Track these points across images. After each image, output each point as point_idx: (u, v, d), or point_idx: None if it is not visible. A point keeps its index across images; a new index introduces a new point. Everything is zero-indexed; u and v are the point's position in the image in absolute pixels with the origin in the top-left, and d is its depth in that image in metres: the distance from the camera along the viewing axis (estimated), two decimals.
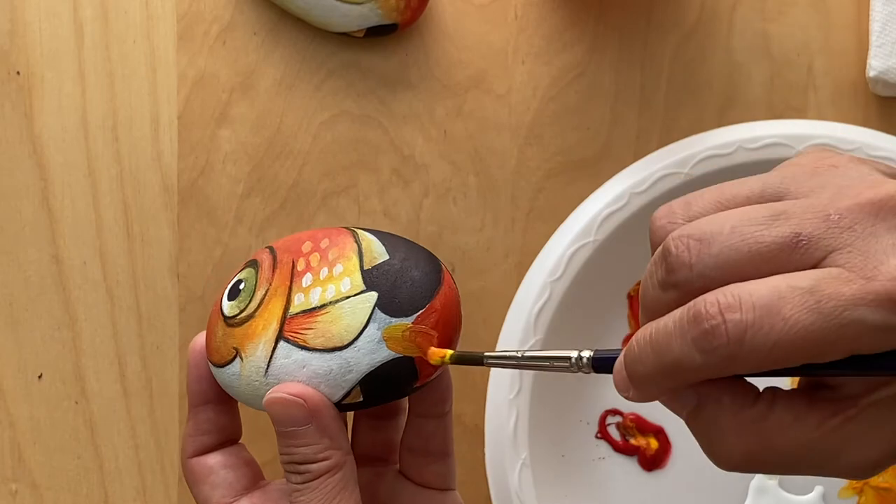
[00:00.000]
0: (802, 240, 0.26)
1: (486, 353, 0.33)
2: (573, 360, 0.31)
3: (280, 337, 0.34)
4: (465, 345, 0.52)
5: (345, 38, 0.52)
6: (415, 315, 0.34)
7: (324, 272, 0.35)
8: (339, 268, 0.35)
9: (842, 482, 0.51)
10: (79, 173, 0.53)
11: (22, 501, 0.53)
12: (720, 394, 0.28)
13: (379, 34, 0.51)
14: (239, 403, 0.37)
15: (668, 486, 0.51)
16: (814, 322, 0.25)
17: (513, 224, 0.53)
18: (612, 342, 0.51)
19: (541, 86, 0.53)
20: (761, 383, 0.29)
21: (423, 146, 0.53)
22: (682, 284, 0.27)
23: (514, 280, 0.51)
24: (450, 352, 0.34)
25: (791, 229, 0.26)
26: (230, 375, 0.35)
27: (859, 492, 0.50)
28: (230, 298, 0.36)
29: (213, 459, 0.37)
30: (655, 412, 0.51)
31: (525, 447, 0.48)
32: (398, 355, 0.34)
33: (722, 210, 0.28)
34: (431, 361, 0.34)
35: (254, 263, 0.36)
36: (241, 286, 0.36)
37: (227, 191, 0.53)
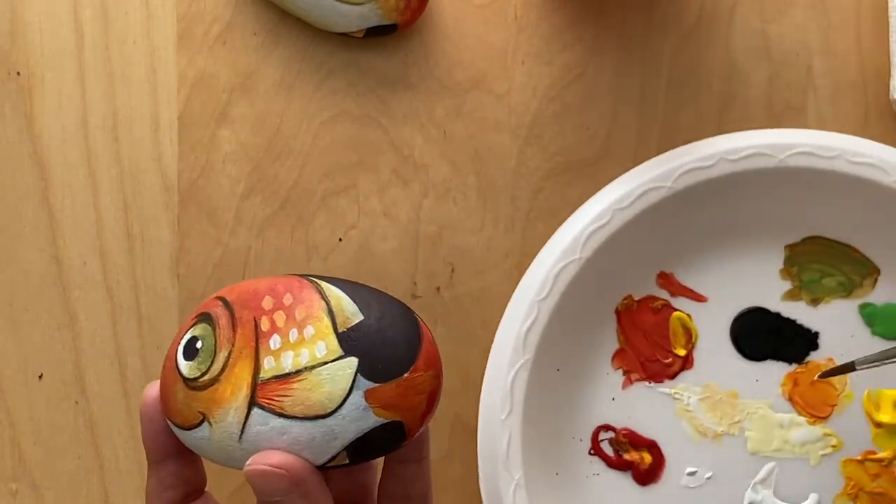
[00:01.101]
0: None
1: (856, 360, 0.32)
2: None
3: (253, 403, 0.33)
4: (463, 346, 0.52)
5: (345, 38, 0.52)
6: (398, 378, 0.33)
7: (293, 334, 0.33)
8: (309, 330, 0.33)
9: (836, 488, 0.51)
10: (79, 173, 0.53)
11: (22, 501, 0.53)
12: None
13: (379, 34, 0.51)
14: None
15: (663, 501, 0.51)
16: None
17: (513, 224, 0.53)
18: (601, 359, 0.51)
19: (541, 86, 0.53)
20: None
21: (423, 146, 0.53)
22: None
23: (513, 280, 0.51)
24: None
25: None
26: (198, 439, 0.34)
27: (855, 498, 0.51)
28: (187, 358, 0.34)
29: None
30: (648, 426, 0.51)
31: (518, 467, 0.48)
32: (387, 420, 0.33)
33: None
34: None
35: (207, 318, 0.35)
36: (199, 345, 0.34)
37: (227, 191, 0.53)
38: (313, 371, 0.33)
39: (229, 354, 0.34)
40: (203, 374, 0.34)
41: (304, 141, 0.53)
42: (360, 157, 0.53)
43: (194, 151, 0.53)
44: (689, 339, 0.51)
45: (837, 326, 0.51)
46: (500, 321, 0.50)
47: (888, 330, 0.51)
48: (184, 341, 0.35)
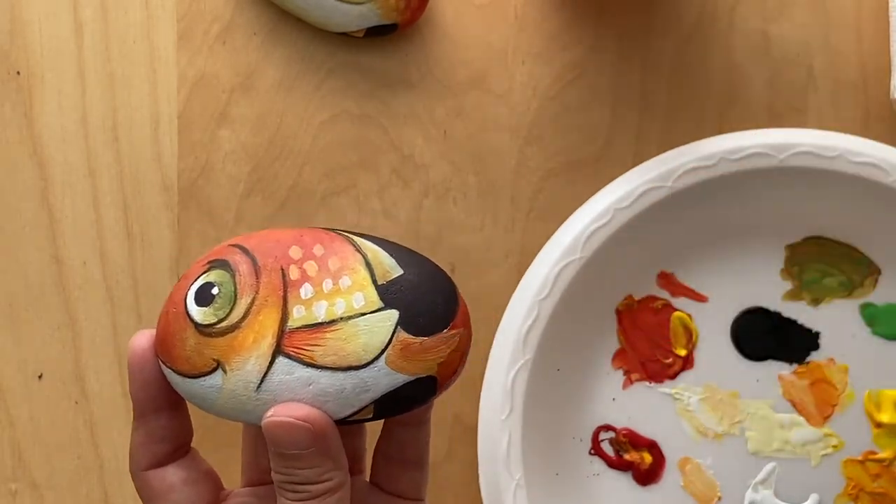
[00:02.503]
0: None
1: None
2: None
3: (278, 352, 0.32)
4: None
5: (345, 38, 0.52)
6: (438, 333, 0.33)
7: (327, 284, 0.33)
8: (346, 280, 0.33)
9: (837, 489, 0.51)
10: (79, 173, 0.53)
11: (22, 501, 0.53)
12: None
13: (379, 34, 0.51)
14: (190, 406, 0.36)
15: (664, 500, 0.51)
16: None
17: (513, 224, 0.53)
18: (601, 359, 0.51)
19: (541, 86, 0.53)
20: None
21: (423, 146, 0.53)
22: None
23: (514, 280, 0.51)
24: None
25: None
26: (206, 388, 0.33)
27: (855, 498, 0.50)
28: (201, 304, 0.33)
29: (174, 475, 0.35)
30: (648, 427, 0.51)
31: (519, 468, 0.48)
32: (421, 375, 0.33)
33: None
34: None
35: (224, 265, 0.34)
36: (215, 291, 0.33)
37: (227, 191, 0.53)
38: (349, 322, 0.32)
39: (252, 301, 0.33)
40: (220, 321, 0.33)
41: (304, 141, 0.53)
42: (360, 157, 0.53)
43: (194, 151, 0.53)
44: (690, 339, 0.51)
45: (838, 326, 0.51)
46: (500, 321, 0.50)
47: (889, 330, 0.51)
48: (195, 287, 0.33)
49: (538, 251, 0.50)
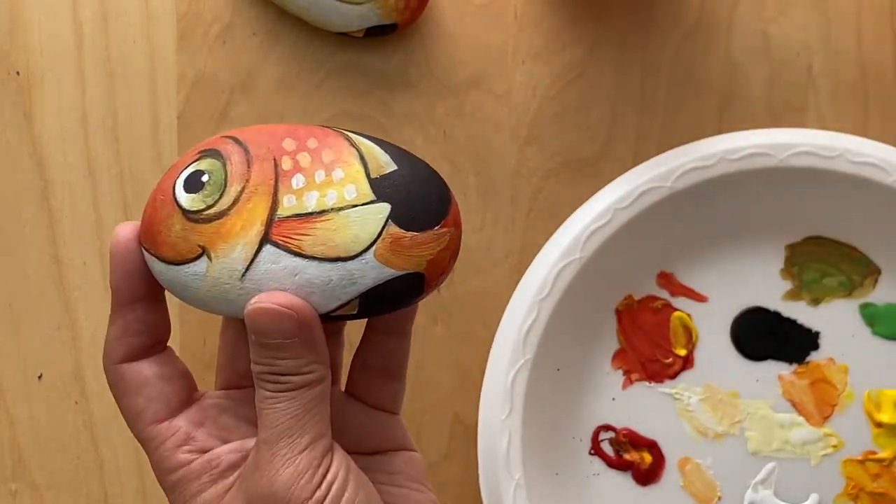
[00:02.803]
0: None
1: None
2: None
3: (266, 240, 0.32)
4: (463, 345, 0.52)
5: (344, 38, 0.52)
6: (429, 230, 0.32)
7: (319, 175, 0.32)
8: (339, 173, 0.33)
9: (837, 488, 0.51)
10: (79, 173, 0.53)
11: (22, 501, 0.53)
12: None
13: (379, 34, 0.51)
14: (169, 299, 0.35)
15: (664, 500, 0.51)
16: None
17: (513, 224, 0.53)
18: (601, 359, 0.51)
19: (541, 86, 0.53)
20: None
21: (423, 146, 0.53)
22: None
23: (513, 280, 0.51)
24: None
25: None
26: (189, 275, 0.32)
27: (855, 498, 0.50)
28: (189, 191, 0.32)
29: (149, 370, 0.34)
30: (648, 427, 0.51)
31: (518, 467, 0.48)
32: (409, 271, 0.32)
33: None
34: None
35: (215, 154, 0.33)
36: (205, 178, 0.33)
37: None
38: (340, 213, 0.32)
39: (242, 189, 0.32)
40: (209, 208, 0.32)
41: None
42: None
43: None
44: (690, 338, 0.51)
45: (838, 326, 0.51)
46: (500, 321, 0.50)
47: (889, 330, 0.51)
48: (185, 174, 0.33)
49: (538, 251, 0.50)
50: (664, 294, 0.51)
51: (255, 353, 0.32)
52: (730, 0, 0.53)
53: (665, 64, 0.53)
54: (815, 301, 0.51)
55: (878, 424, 0.51)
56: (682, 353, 0.51)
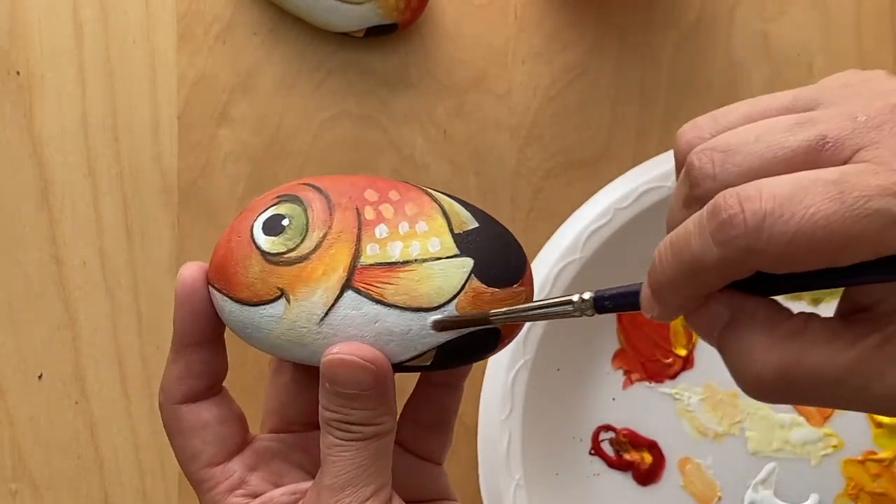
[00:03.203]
0: (828, 142, 0.25)
1: (491, 312, 0.32)
2: (575, 302, 0.31)
3: (348, 286, 0.32)
4: None
5: (345, 38, 0.52)
6: (508, 287, 0.33)
7: (403, 227, 0.33)
8: (422, 226, 0.33)
9: (837, 489, 0.51)
10: (79, 173, 0.53)
11: (22, 501, 0.53)
12: (755, 308, 0.27)
13: (379, 34, 0.51)
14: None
15: (664, 500, 0.51)
16: (836, 211, 0.23)
17: (513, 224, 0.53)
18: (602, 358, 0.51)
19: (541, 86, 0.53)
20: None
21: (423, 146, 0.53)
22: (705, 197, 0.26)
23: None
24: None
25: (817, 132, 0.25)
26: (264, 316, 0.32)
27: (855, 498, 0.50)
28: (269, 233, 0.33)
29: (208, 412, 0.34)
30: (648, 427, 0.51)
31: (519, 468, 0.48)
32: (488, 325, 0.32)
33: (749, 123, 0.27)
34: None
35: (295, 199, 0.33)
36: (286, 222, 0.33)
37: (227, 191, 0.53)
38: (424, 264, 0.32)
39: (324, 236, 0.32)
40: (290, 251, 0.32)
41: (304, 141, 0.53)
42: (360, 157, 0.53)
43: (194, 151, 0.53)
44: (690, 339, 0.51)
45: None
46: None
47: None
48: (263, 217, 0.33)
49: (538, 251, 0.50)
50: None
51: (328, 400, 0.32)
52: (730, 0, 0.53)
53: (665, 64, 0.53)
54: (815, 301, 0.51)
55: (879, 425, 0.51)
56: (682, 353, 0.51)
